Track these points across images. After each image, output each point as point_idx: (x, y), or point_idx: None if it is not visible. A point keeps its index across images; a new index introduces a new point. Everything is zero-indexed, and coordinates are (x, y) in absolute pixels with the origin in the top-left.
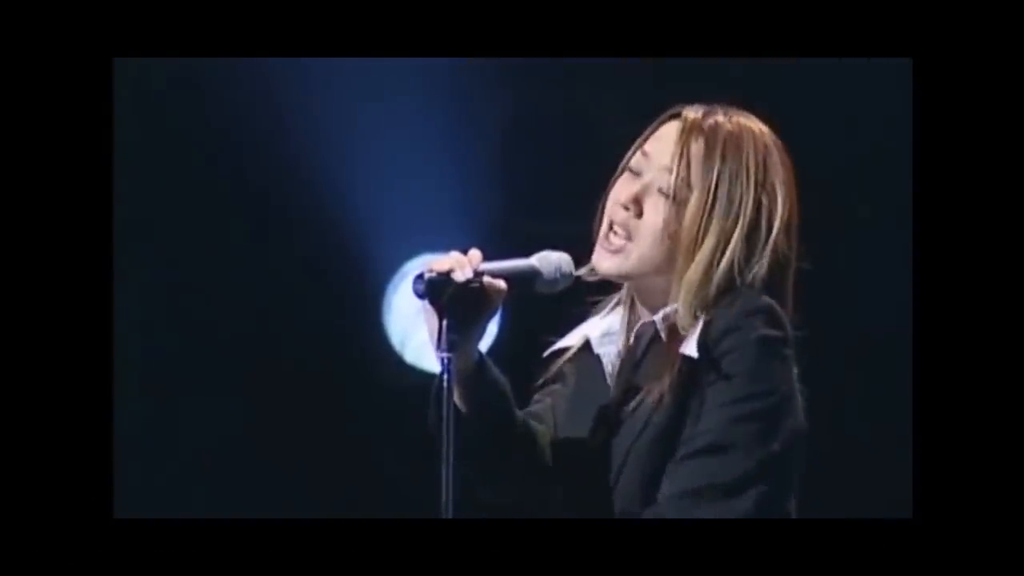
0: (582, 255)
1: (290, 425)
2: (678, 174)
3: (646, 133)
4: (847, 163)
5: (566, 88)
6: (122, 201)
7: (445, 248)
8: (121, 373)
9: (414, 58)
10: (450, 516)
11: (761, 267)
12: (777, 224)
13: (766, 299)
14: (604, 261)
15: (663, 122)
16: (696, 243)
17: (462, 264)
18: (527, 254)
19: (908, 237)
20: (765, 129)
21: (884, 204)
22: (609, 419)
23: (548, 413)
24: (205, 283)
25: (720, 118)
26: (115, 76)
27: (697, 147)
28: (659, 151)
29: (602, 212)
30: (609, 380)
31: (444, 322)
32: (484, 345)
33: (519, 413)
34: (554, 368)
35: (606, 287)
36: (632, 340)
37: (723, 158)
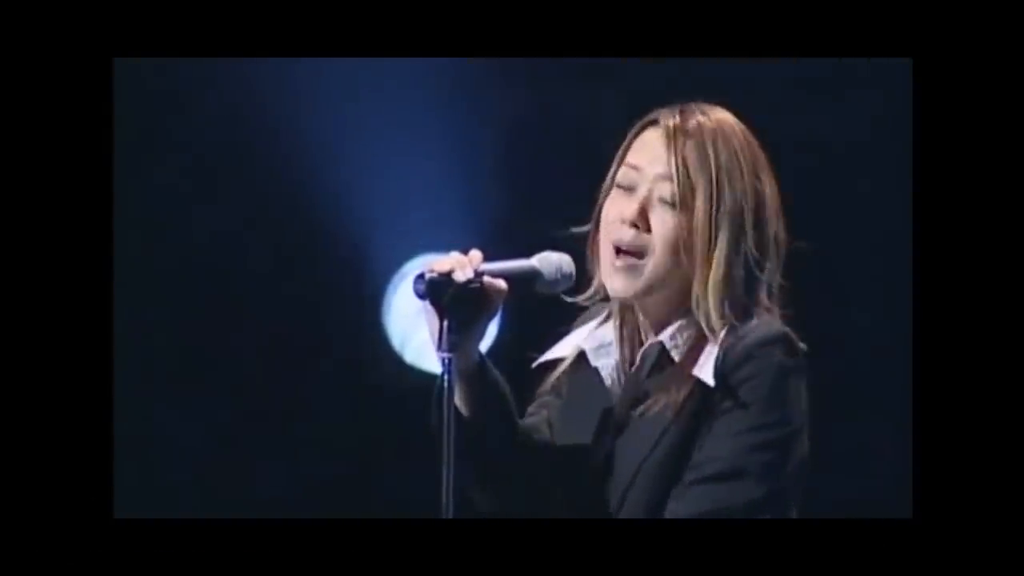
0: (583, 255)
1: (290, 425)
2: (678, 180)
3: (624, 146)
4: (847, 163)
5: (566, 88)
6: (122, 201)
7: (446, 248)
8: (121, 373)
9: (416, 58)
10: (450, 516)
11: (772, 253)
12: (775, 208)
13: (782, 326)
14: (617, 283)
15: (638, 133)
16: (710, 245)
17: (463, 264)
18: (528, 254)
19: (908, 237)
20: (734, 119)
21: (884, 204)
22: (614, 431)
23: (543, 425)
24: (205, 283)
25: (700, 117)
26: (115, 76)
27: (689, 150)
28: (649, 161)
29: (596, 233)
30: (609, 392)
31: (445, 322)
32: (484, 346)
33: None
34: (549, 380)
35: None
36: (639, 360)
37: (716, 155)
